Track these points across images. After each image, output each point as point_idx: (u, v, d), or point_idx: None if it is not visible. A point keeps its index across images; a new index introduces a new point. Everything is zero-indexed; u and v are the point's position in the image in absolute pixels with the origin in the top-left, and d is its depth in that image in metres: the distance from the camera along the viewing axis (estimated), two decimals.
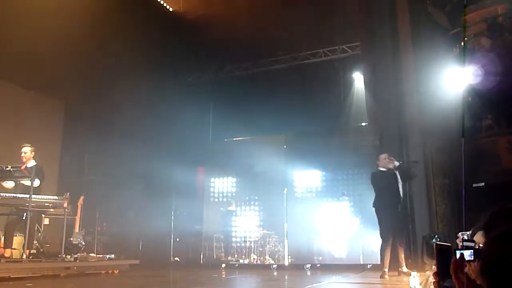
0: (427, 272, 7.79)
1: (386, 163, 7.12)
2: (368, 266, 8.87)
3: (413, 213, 8.35)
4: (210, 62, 11.96)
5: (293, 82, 11.26)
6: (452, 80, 7.36)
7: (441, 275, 1.54)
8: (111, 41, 8.92)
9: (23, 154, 7.36)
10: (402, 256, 7.00)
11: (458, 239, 5.99)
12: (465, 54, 7.56)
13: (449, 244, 1.75)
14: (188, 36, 10.69)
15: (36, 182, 7.05)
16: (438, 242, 1.86)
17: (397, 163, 7.15)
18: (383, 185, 7.02)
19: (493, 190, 7.43)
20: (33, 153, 7.42)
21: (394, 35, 8.51)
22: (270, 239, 10.74)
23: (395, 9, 8.46)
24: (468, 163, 6.87)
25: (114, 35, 8.88)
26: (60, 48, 8.39)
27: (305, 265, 9.35)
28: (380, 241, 7.01)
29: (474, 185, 7.43)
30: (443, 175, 8.42)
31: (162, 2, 10.08)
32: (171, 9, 10.31)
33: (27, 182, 6.86)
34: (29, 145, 7.46)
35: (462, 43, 7.40)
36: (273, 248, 10.70)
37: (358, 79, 10.66)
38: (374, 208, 7.07)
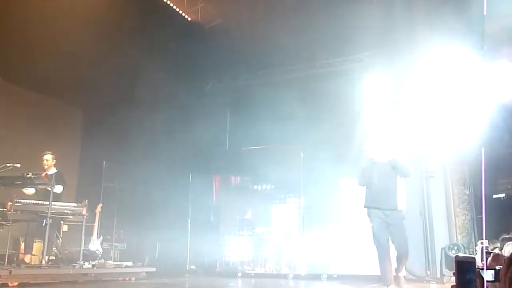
0: (445, 284, 7.69)
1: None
2: None
3: (431, 224, 8.25)
4: (227, 70, 12.01)
5: (309, 90, 11.24)
6: (475, 88, 7.27)
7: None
8: (129, 50, 9.01)
9: (45, 162, 7.50)
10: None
11: (477, 247, 5.91)
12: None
13: (472, 256, 1.73)
14: (205, 45, 10.75)
15: (59, 188, 7.18)
16: (458, 255, 1.84)
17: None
18: (375, 179, 5.76)
19: None
20: (54, 160, 7.57)
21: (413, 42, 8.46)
22: (287, 248, 10.69)
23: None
24: (488, 174, 6.78)
25: (132, 44, 8.97)
26: (79, 56, 8.50)
27: (321, 275, 9.28)
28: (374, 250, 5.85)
29: (494, 196, 7.32)
30: (463, 186, 8.31)
31: (180, 12, 10.16)
32: (189, 19, 10.39)
33: (49, 188, 6.97)
34: (50, 152, 7.61)
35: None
36: (289, 257, 10.64)
37: (374, 87, 10.58)
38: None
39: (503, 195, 7.35)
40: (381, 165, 5.73)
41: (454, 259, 1.78)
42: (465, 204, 8.33)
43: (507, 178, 7.49)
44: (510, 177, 7.48)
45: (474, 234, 8.14)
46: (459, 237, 8.32)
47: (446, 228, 8.42)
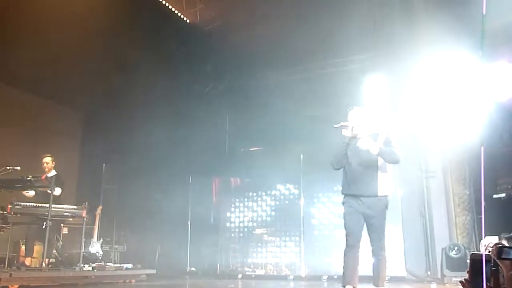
0: (446, 284, 7.69)
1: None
2: (386, 279, 8.75)
3: (432, 225, 8.25)
4: (226, 72, 12.01)
5: (309, 92, 11.24)
6: (474, 88, 7.29)
7: (475, 285, 1.54)
8: (128, 53, 9.02)
9: (45, 165, 7.54)
10: (384, 271, 4.79)
11: (482, 245, 5.89)
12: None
13: (488, 254, 1.74)
14: (204, 47, 10.76)
15: (58, 191, 7.18)
16: (474, 252, 1.86)
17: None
18: (352, 160, 4.80)
19: None
20: (53, 163, 7.60)
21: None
22: (287, 250, 10.68)
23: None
24: (488, 174, 6.79)
25: (131, 46, 8.97)
26: (78, 58, 8.50)
27: (322, 276, 9.27)
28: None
29: (495, 196, 7.32)
30: (463, 186, 8.32)
31: (179, 14, 10.17)
32: (188, 21, 10.39)
33: (49, 190, 6.97)
34: (50, 155, 7.65)
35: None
36: (289, 258, 10.63)
37: (375, 87, 10.59)
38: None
39: (503, 195, 7.35)
40: (359, 143, 4.79)
41: (470, 257, 1.79)
42: (466, 204, 8.34)
43: (508, 177, 7.49)
44: (510, 176, 7.48)
45: (475, 234, 8.15)
46: (460, 237, 8.32)
47: (447, 228, 8.42)
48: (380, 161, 4.67)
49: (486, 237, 5.85)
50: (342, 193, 4.86)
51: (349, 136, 4.78)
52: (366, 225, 4.70)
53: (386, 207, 4.70)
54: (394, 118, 7.90)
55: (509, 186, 7.33)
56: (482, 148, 3.28)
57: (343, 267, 4.66)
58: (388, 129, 4.83)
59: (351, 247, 4.68)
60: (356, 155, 4.75)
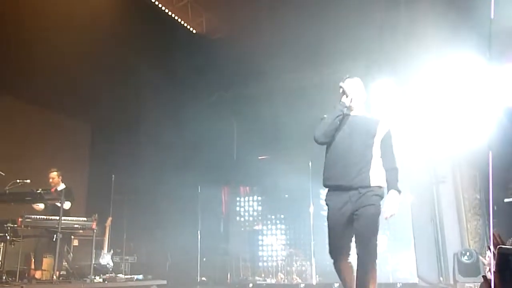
0: None
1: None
2: (398, 285, 8.69)
3: (443, 230, 8.18)
4: (232, 80, 12.03)
5: (316, 98, 11.22)
6: (483, 92, 7.23)
7: (502, 278, 1.56)
8: (136, 64, 9.08)
9: (50, 180, 7.58)
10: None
11: (487, 255, 5.84)
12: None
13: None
14: (211, 56, 10.79)
15: (67, 205, 7.20)
16: (502, 246, 1.86)
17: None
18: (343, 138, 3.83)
19: None
20: (60, 177, 7.66)
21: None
22: (297, 258, 10.63)
23: None
24: (499, 178, 6.72)
25: (138, 58, 9.03)
26: (86, 71, 8.56)
27: (333, 284, 9.21)
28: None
29: (506, 200, 7.24)
30: (473, 190, 8.25)
31: (185, 25, 10.23)
32: (194, 31, 10.45)
33: (59, 204, 7.00)
34: (55, 169, 7.71)
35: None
36: (300, 267, 10.58)
37: (382, 93, 10.56)
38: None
39: None
40: (356, 119, 3.87)
41: (497, 251, 1.79)
42: (477, 209, 8.27)
43: None
44: None
45: (486, 239, 8.06)
46: (471, 242, 8.24)
47: (458, 233, 8.35)
48: (376, 148, 3.76)
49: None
50: (324, 185, 3.88)
51: (346, 106, 3.82)
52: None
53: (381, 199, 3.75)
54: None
55: None
56: (490, 153, 3.25)
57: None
58: (391, 122, 3.93)
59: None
60: (350, 132, 3.79)
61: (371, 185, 3.63)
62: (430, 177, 8.87)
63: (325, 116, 3.93)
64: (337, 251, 3.77)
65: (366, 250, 3.54)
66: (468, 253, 7.77)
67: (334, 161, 3.79)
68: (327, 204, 3.79)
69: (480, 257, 7.56)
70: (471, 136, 7.50)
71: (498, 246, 1.68)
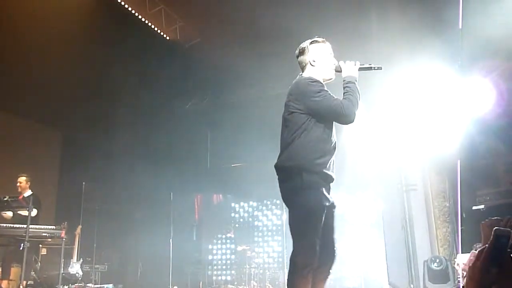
0: None
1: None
2: None
3: (413, 238, 8.29)
4: (207, 89, 12.01)
5: None
6: (452, 102, 7.39)
7: (493, 258, 1.67)
8: (109, 71, 8.98)
9: (18, 184, 7.43)
10: None
11: (457, 262, 5.95)
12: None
13: (509, 230, 1.84)
14: (185, 63, 10.77)
15: (33, 212, 7.03)
16: (498, 228, 1.93)
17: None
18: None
19: (494, 212, 7.40)
20: (28, 183, 7.51)
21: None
22: (270, 266, 10.63)
23: None
24: (468, 186, 6.87)
25: (112, 64, 8.94)
26: (58, 77, 8.43)
27: None
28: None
29: (474, 207, 7.39)
30: (443, 198, 8.40)
31: (159, 31, 10.17)
32: (167, 38, 10.41)
33: (24, 212, 6.84)
34: (24, 175, 7.54)
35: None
36: (273, 274, 10.58)
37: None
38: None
39: (482, 206, 7.42)
40: None
41: (493, 232, 1.87)
42: (446, 216, 8.41)
43: (486, 189, 7.58)
44: (488, 188, 7.58)
45: (456, 246, 8.20)
46: (441, 249, 8.37)
47: (428, 240, 8.47)
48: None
49: (458, 255, 5.89)
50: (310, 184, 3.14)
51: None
52: None
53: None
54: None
55: (488, 198, 7.42)
56: (459, 161, 3.35)
57: None
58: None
59: None
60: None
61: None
62: (401, 185, 8.99)
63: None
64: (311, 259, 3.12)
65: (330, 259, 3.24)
66: (437, 260, 7.88)
67: (324, 145, 3.23)
68: (311, 205, 3.18)
69: (456, 262, 7.67)
70: (441, 145, 7.65)
71: (495, 229, 1.78)
